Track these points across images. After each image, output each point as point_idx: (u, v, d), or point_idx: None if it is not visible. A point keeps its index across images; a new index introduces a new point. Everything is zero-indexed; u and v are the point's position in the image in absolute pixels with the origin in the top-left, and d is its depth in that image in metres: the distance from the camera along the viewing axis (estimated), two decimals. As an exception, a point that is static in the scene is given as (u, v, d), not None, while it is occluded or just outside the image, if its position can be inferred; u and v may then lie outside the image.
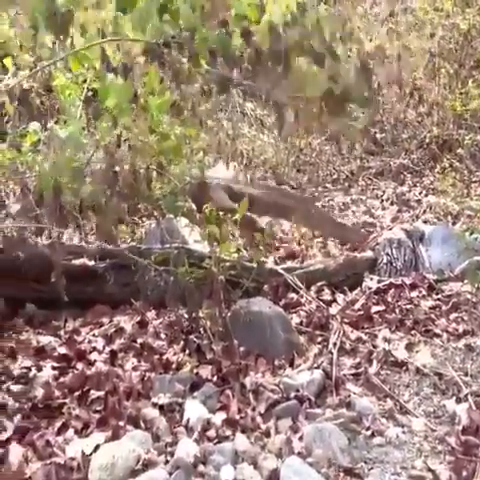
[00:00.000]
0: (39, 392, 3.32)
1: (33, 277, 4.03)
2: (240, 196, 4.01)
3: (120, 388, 3.31)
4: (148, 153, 3.68)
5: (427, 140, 7.63)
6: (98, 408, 3.21)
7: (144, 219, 5.33)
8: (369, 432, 3.08)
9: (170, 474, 2.73)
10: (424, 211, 6.33)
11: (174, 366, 3.56)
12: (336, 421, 3.09)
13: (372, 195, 7.03)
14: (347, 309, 4.24)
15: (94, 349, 3.76)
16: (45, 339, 3.86)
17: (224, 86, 3.21)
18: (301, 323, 4.03)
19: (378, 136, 7.86)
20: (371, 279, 4.64)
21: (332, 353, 3.63)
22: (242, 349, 3.66)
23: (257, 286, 4.09)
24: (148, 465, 2.80)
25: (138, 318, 4.07)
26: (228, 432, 3.04)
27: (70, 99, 3.68)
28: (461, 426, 3.09)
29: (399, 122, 7.83)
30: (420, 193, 6.92)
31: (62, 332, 3.98)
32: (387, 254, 4.89)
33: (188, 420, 3.08)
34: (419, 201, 6.68)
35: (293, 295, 4.32)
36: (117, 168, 3.58)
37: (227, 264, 3.78)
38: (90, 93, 3.63)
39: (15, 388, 3.36)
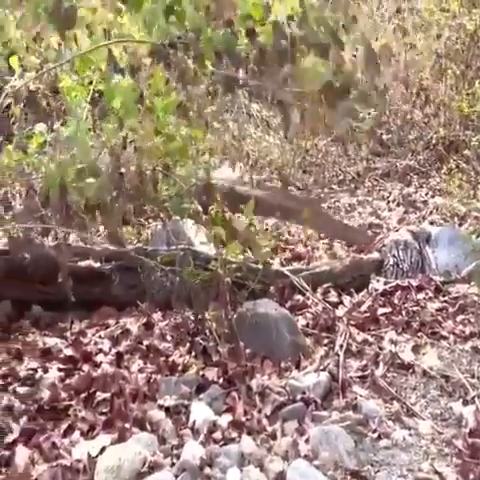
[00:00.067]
0: (45, 394, 3.32)
1: (39, 279, 4.03)
2: (245, 198, 4.00)
3: (126, 390, 3.31)
4: (154, 154, 3.68)
5: (434, 141, 7.60)
6: (104, 410, 3.21)
7: (150, 220, 5.32)
8: (376, 435, 3.08)
9: (176, 477, 2.74)
10: (430, 212, 6.31)
11: (180, 368, 3.56)
12: (342, 423, 3.08)
13: (378, 196, 7.01)
14: (353, 311, 4.22)
15: (100, 351, 3.76)
16: (51, 341, 3.86)
17: (230, 86, 3.21)
18: (307, 325, 4.02)
19: (384, 137, 7.84)
20: (377, 281, 4.63)
21: (338, 355, 3.62)
22: (248, 351, 3.65)
23: (263, 288, 4.08)
24: (154, 467, 2.80)
25: (144, 320, 4.06)
26: (234, 434, 3.04)
27: (76, 100, 3.68)
28: (468, 429, 3.09)
29: (405, 123, 7.81)
30: (426, 194, 6.90)
31: (68, 334, 3.98)
32: (393, 256, 4.87)
33: (194, 422, 3.08)
34: (425, 202, 6.66)
35: (299, 297, 4.31)
36: (123, 169, 3.58)
37: (233, 266, 3.77)
38: (96, 94, 3.63)
39: (21, 390, 3.36)
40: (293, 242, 5.59)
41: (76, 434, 3.04)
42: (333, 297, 4.43)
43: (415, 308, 4.24)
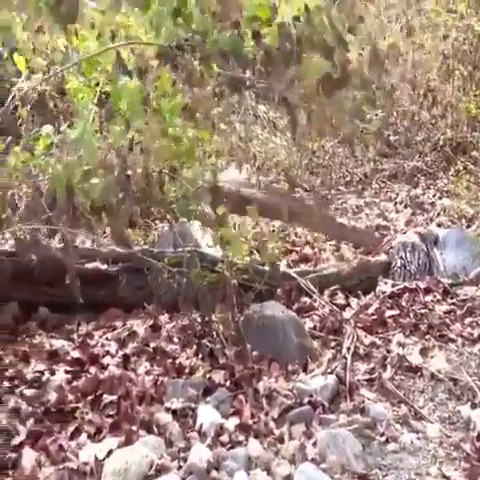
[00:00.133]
0: (52, 396, 3.32)
1: (46, 281, 4.03)
2: (251, 201, 4.00)
3: (133, 392, 3.31)
4: (161, 156, 3.67)
5: (441, 142, 7.57)
6: (111, 412, 3.22)
7: (157, 222, 5.32)
8: (383, 438, 3.07)
9: (183, 480, 2.73)
10: (438, 214, 6.28)
11: (187, 370, 3.56)
12: (350, 427, 3.08)
13: (386, 198, 6.98)
14: (361, 313, 4.21)
15: (107, 353, 3.76)
16: (58, 343, 3.86)
17: (236, 87, 3.21)
18: (314, 327, 4.01)
19: (392, 138, 7.80)
20: (385, 283, 4.61)
21: (346, 358, 3.62)
22: (255, 354, 3.65)
23: (270, 290, 4.07)
24: (161, 471, 2.80)
25: (151, 322, 4.06)
26: (241, 437, 3.04)
27: (83, 102, 3.68)
28: (476, 432, 3.08)
29: (413, 124, 7.78)
30: (434, 196, 6.87)
31: (75, 336, 3.98)
32: (401, 258, 4.85)
33: (201, 425, 3.08)
34: (433, 204, 6.63)
35: (306, 299, 4.30)
36: (130, 171, 3.57)
37: (240, 267, 3.76)
38: (103, 96, 3.63)
39: (28, 392, 3.36)
40: (300, 244, 5.58)
41: (83, 437, 3.04)
42: (340, 299, 4.42)
43: (423, 310, 4.22)
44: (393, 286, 4.56)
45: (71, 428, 3.09)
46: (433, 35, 7.79)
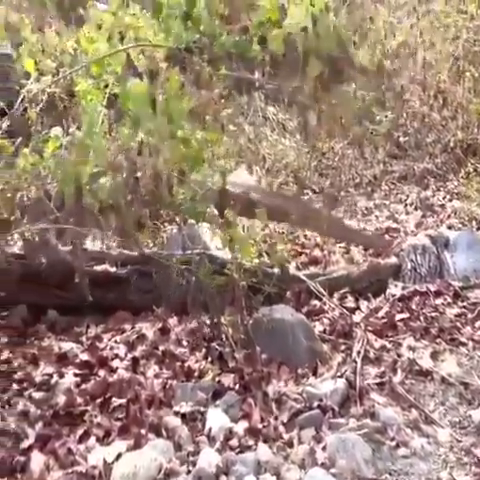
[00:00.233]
0: (61, 399, 3.32)
1: (55, 283, 4.03)
2: (259, 204, 3.98)
3: (142, 396, 3.30)
4: (170, 158, 3.66)
5: (451, 144, 7.53)
6: (120, 416, 3.21)
7: (166, 224, 5.31)
8: (394, 443, 3.05)
9: (192, 484, 2.72)
10: (448, 216, 6.25)
11: (196, 374, 3.55)
12: (360, 431, 3.06)
13: (395, 200, 6.95)
14: (371, 317, 4.18)
15: (116, 356, 3.75)
16: (67, 345, 3.86)
17: (245, 89, 3.21)
18: (324, 331, 3.99)
19: (401, 140, 7.77)
20: (395, 286, 4.58)
21: (356, 362, 3.59)
22: (264, 357, 3.63)
23: (279, 293, 4.05)
24: (170, 475, 2.80)
25: (160, 325, 4.05)
26: (250, 441, 3.03)
27: (92, 104, 3.68)
28: (487, 437, 3.05)
29: (423, 126, 7.75)
30: (444, 198, 6.83)
31: (84, 338, 3.97)
32: (411, 260, 4.82)
33: (210, 429, 3.07)
34: (443, 206, 6.59)
35: (316, 302, 4.27)
36: (139, 174, 3.57)
37: (248, 270, 3.75)
38: (113, 98, 3.63)
39: (37, 395, 3.37)
40: (309, 246, 5.55)
41: (92, 440, 3.04)
42: (350, 302, 4.39)
43: (433, 314, 4.19)
44: (403, 289, 4.53)
45: (80, 431, 3.08)
46: (443, 36, 7.75)
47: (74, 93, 3.91)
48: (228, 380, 3.45)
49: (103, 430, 3.09)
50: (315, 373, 3.56)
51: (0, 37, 3.49)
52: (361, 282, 4.61)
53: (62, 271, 3.77)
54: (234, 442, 3.00)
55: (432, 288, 4.50)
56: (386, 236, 5.69)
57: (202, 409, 3.23)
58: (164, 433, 3.06)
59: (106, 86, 3.60)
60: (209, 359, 3.67)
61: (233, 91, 3.56)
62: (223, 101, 3.74)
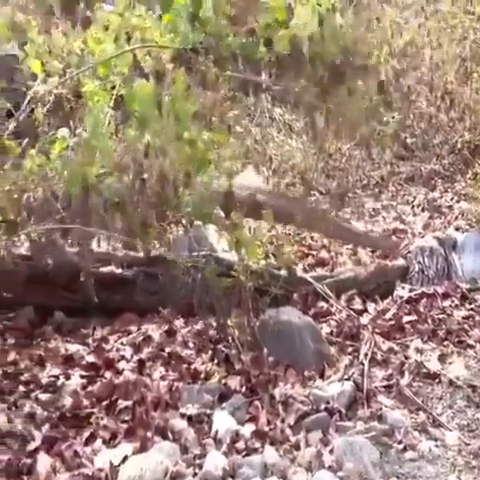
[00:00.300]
0: (67, 401, 3.32)
1: (62, 285, 4.03)
2: (265, 206, 3.97)
3: (148, 398, 3.29)
4: (176, 160, 3.66)
5: (459, 145, 7.50)
6: (126, 418, 3.20)
7: (172, 226, 5.30)
8: (401, 446, 3.04)
9: (198, 487, 2.71)
10: (456, 217, 6.21)
11: (202, 376, 3.54)
12: (367, 434, 3.05)
13: (403, 201, 6.92)
14: (378, 319, 4.17)
15: (122, 358, 3.75)
16: (73, 347, 3.86)
17: (251, 90, 3.21)
18: (331, 333, 3.97)
19: (409, 141, 7.74)
20: (403, 288, 4.56)
21: (363, 364, 3.58)
22: (271, 359, 3.61)
23: (286, 294, 4.04)
24: (176, 477, 2.79)
25: (166, 327, 4.04)
26: (257, 444, 3.02)
27: (99, 105, 3.68)
28: (496, 441, 3.03)
29: (430, 127, 7.72)
30: (452, 199, 6.80)
31: (90, 340, 3.97)
32: (419, 262, 4.80)
33: (216, 432, 3.06)
34: (450, 207, 6.57)
35: (323, 304, 4.26)
36: (145, 175, 3.56)
37: (255, 272, 3.73)
38: (120, 99, 3.63)
39: (43, 397, 3.37)
40: (316, 247, 5.54)
41: (98, 442, 3.03)
42: (357, 304, 4.38)
43: (441, 316, 4.18)
44: (411, 291, 4.51)
45: (86, 433, 3.08)
46: (450, 37, 7.72)
47: (81, 94, 3.91)
48: (235, 382, 3.44)
49: (109, 432, 3.09)
50: (322, 375, 3.54)
51: (6, 38, 3.48)
52: (368, 284, 4.59)
53: (69, 272, 3.77)
54: (241, 445, 2.99)
55: (440, 290, 4.49)
56: (393, 237, 5.67)
57: (208, 411, 3.22)
58: (170, 436, 3.05)
59: (113, 87, 3.60)
60: (215, 361, 3.66)
61: (239, 92, 3.56)
62: (229, 102, 3.74)
